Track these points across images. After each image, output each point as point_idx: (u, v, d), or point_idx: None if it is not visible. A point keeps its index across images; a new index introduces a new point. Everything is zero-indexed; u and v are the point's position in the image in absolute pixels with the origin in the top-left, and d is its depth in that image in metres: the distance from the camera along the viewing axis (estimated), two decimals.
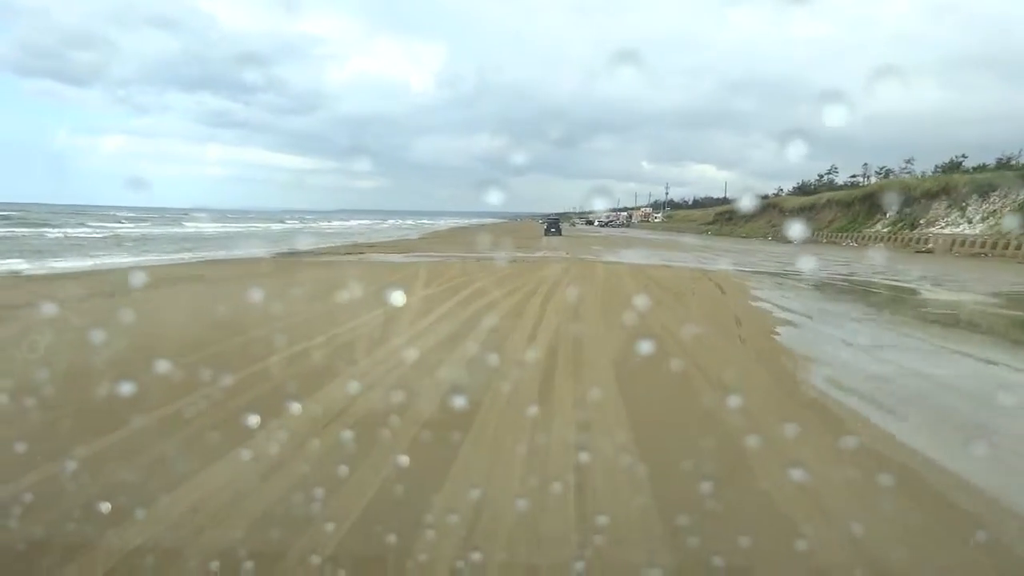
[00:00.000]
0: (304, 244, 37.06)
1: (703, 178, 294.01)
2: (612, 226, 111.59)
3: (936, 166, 55.19)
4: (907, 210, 39.35)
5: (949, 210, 37.15)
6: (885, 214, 41.78)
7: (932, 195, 38.86)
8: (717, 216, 76.09)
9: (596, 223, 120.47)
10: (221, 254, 25.29)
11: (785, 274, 19.38)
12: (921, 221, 38.29)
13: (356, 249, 29.45)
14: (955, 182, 36.75)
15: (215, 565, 2.63)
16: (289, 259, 23.23)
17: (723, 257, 27.57)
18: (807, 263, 24.58)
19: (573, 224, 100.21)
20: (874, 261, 26.49)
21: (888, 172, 64.35)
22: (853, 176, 65.36)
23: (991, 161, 45.73)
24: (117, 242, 32.28)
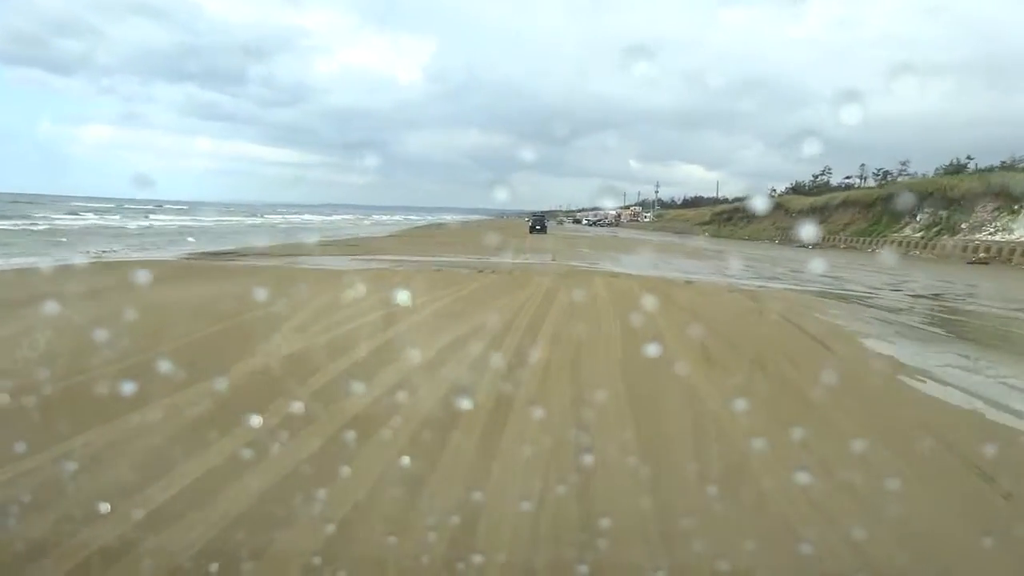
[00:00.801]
0: (255, 242, 31.43)
1: (691, 178, 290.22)
2: (600, 225, 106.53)
3: (937, 168, 50.68)
4: (942, 213, 33.98)
5: (997, 213, 31.77)
6: (915, 217, 36.37)
7: (974, 197, 33.46)
8: (714, 216, 70.65)
9: (584, 222, 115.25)
10: (135, 255, 19.63)
11: (871, 298, 13.63)
12: (963, 226, 32.91)
13: (299, 250, 23.56)
14: (1008, 181, 31.29)
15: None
16: (200, 263, 17.58)
17: (750, 266, 21.89)
18: (869, 277, 18.94)
19: (561, 223, 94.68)
20: (953, 277, 20.90)
21: (886, 174, 59.82)
22: (848, 177, 60.87)
23: (994, 163, 41.11)
24: (35, 237, 27.21)
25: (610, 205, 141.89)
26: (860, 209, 41.78)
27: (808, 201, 51.39)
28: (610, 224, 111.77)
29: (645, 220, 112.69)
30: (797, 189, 67.86)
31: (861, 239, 38.50)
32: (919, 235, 34.53)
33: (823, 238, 42.20)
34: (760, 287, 15.15)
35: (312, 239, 34.67)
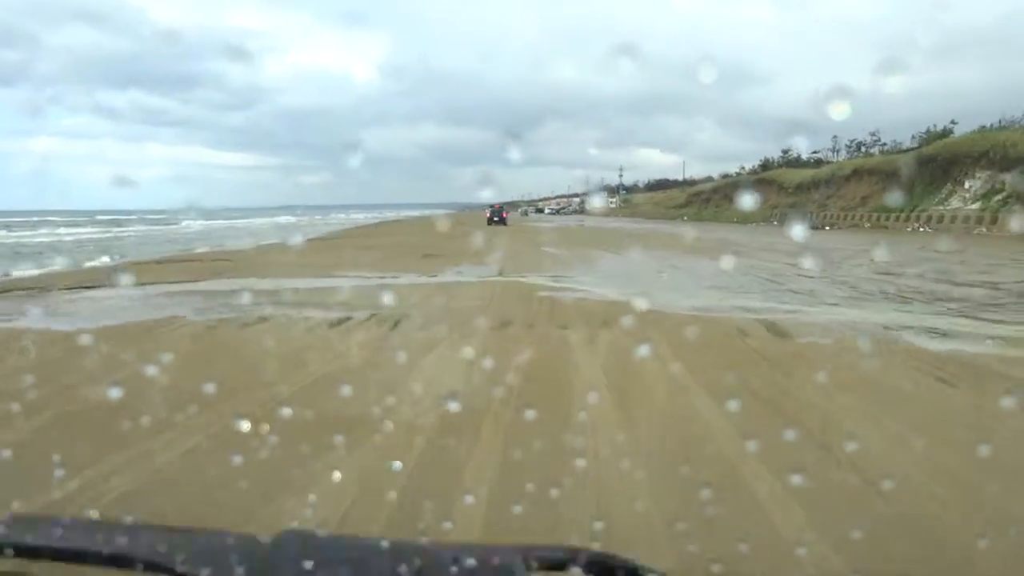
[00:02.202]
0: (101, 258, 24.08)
1: (650, 162, 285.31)
2: (564, 214, 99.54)
3: (913, 136, 45.34)
4: (1003, 177, 26.78)
5: None
6: (961, 184, 29.11)
7: None
8: (691, 198, 63.31)
9: (547, 211, 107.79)
10: None
11: None
12: None
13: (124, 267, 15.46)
14: None
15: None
16: None
17: (806, 268, 14.06)
18: None
19: (525, 213, 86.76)
20: None
21: (860, 145, 53.72)
22: (815, 152, 54.71)
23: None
24: None
25: (568, 192, 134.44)
26: (879, 179, 34.66)
27: (807, 174, 44.20)
28: (575, 212, 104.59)
29: (612, 205, 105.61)
30: (767, 166, 61.06)
31: (890, 216, 31.11)
32: (974, 206, 27.29)
33: (836, 216, 34.93)
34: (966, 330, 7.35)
35: (174, 252, 26.23)
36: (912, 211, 29.61)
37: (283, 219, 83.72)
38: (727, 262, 15.90)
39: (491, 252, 20.19)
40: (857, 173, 37.25)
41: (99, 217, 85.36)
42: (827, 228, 32.24)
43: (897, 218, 29.98)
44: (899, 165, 32.83)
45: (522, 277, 13.39)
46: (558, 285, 11.81)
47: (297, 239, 36.54)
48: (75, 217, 77.16)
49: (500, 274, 14.15)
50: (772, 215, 43.28)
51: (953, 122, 43.72)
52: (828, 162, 51.09)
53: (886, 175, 33.95)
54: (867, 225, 31.48)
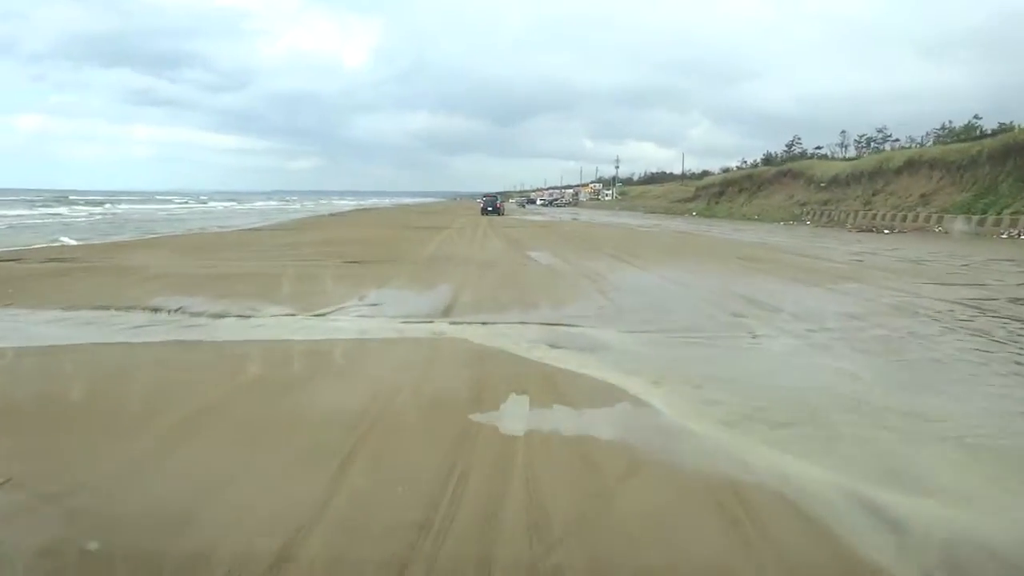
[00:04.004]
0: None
1: (644, 155, 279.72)
2: (556, 205, 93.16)
3: (927, 133, 40.64)
4: None
5: None
6: None
7: None
8: (700, 190, 56.80)
9: (538, 202, 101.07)
10: None
11: None
12: None
13: None
14: None
15: None
16: None
17: None
18: None
19: (522, 205, 79.77)
20: None
21: (870, 140, 48.22)
22: (818, 147, 51.18)
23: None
24: None
25: (561, 184, 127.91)
26: (943, 174, 28.25)
27: (843, 166, 37.63)
28: (568, 204, 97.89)
29: (607, 198, 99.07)
30: (769, 160, 54.77)
31: (967, 218, 24.57)
32: None
33: (889, 217, 28.54)
34: None
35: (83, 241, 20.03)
36: (999, 213, 23.22)
37: (260, 204, 78.60)
38: (861, 297, 9.37)
39: (451, 261, 13.59)
40: (912, 165, 30.79)
41: (71, 196, 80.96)
42: (886, 232, 25.81)
43: (982, 222, 23.54)
44: (976, 152, 26.23)
45: (485, 322, 6.86)
46: (558, 362, 5.26)
47: (234, 224, 29.80)
48: (40, 197, 73.47)
49: (447, 313, 7.59)
50: (802, 213, 36.87)
51: (977, 117, 37.89)
52: (836, 158, 45.09)
53: (954, 168, 27.57)
54: (937, 229, 25.08)
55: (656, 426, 3.83)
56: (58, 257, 13.95)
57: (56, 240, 20.08)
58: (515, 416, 3.93)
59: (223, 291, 8.97)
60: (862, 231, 27.22)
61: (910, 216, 27.41)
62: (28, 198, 68.96)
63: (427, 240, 19.51)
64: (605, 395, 4.40)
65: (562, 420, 3.88)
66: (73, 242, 19.30)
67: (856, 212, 31.63)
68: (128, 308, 7.76)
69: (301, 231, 24.70)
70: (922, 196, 28.92)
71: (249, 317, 7.26)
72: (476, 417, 3.88)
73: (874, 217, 29.59)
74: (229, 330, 6.57)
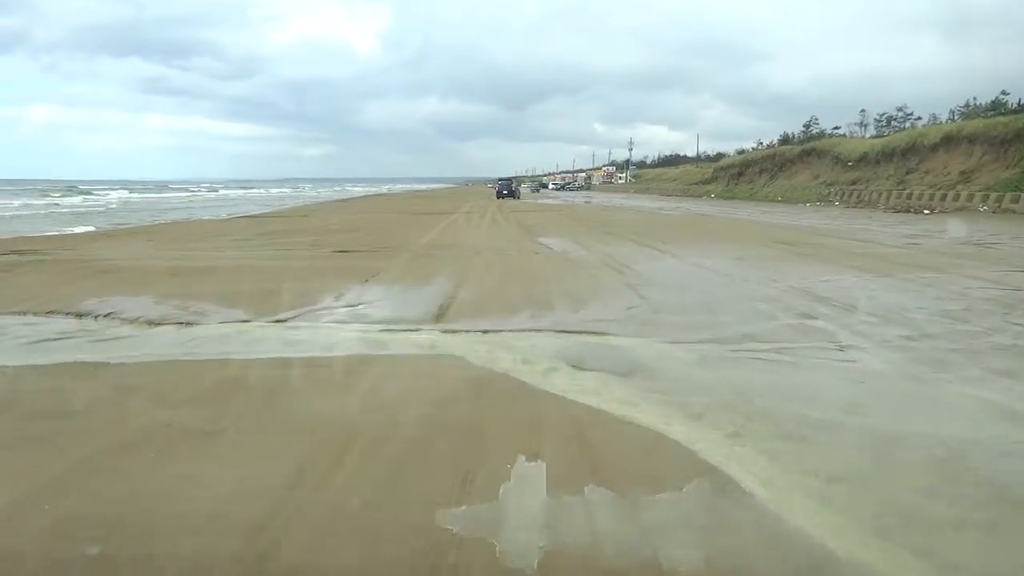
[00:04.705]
0: None
1: (656, 139, 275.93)
2: (569, 189, 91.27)
3: (953, 110, 39.36)
4: None
5: None
6: None
7: None
8: (718, 172, 54.77)
9: (550, 186, 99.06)
10: None
11: None
12: None
13: None
14: None
15: None
16: None
17: None
18: None
19: (536, 190, 76.22)
20: None
21: (890, 119, 46.54)
22: (836, 127, 49.28)
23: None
24: None
25: (573, 168, 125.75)
26: (986, 150, 26.23)
27: (874, 144, 35.53)
28: (580, 188, 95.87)
29: (620, 181, 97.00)
30: (787, 140, 52.63)
31: (1017, 197, 22.67)
32: None
33: (927, 197, 26.62)
34: None
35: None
36: None
37: (275, 191, 77.77)
38: (947, 290, 7.73)
39: (453, 249, 12.02)
40: (950, 141, 28.72)
41: (80, 186, 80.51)
42: (926, 212, 23.95)
43: None
44: (1021, 130, 24.17)
45: (487, 329, 5.31)
46: (586, 396, 3.70)
47: (235, 212, 28.25)
48: (55, 187, 72.83)
49: (440, 317, 6.05)
50: (829, 193, 34.92)
51: (1004, 92, 35.83)
52: (856, 137, 43.09)
53: (998, 143, 25.56)
54: (983, 208, 23.19)
55: (761, 540, 2.27)
56: (19, 249, 12.53)
57: (43, 230, 18.75)
58: (524, 516, 2.39)
59: (177, 289, 7.49)
60: (897, 212, 25.34)
61: (950, 195, 25.49)
62: (41, 188, 68.16)
63: (430, 226, 17.95)
64: (663, 464, 2.85)
65: (605, 526, 2.33)
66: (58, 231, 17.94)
67: (889, 192, 29.67)
68: (50, 312, 6.31)
69: (297, 218, 23.20)
70: (962, 174, 26.93)
71: (190, 325, 5.76)
72: (457, 525, 2.33)
73: (909, 197, 27.65)
74: (152, 345, 5.07)
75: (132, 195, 55.57)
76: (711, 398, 3.71)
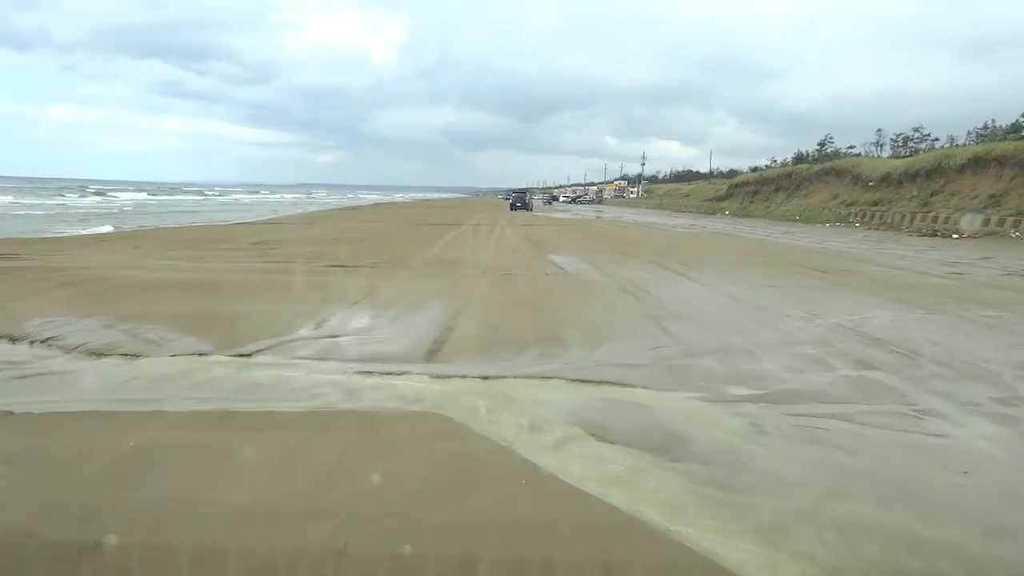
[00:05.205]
0: None
1: (667, 154, 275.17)
2: (580, 202, 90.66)
3: (971, 132, 39.27)
4: None
5: None
6: None
7: None
8: (733, 189, 53.77)
9: (561, 198, 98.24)
10: None
11: None
12: None
13: None
14: None
15: None
16: None
17: None
18: None
19: (549, 203, 74.82)
20: None
21: (907, 140, 45.97)
22: (851, 147, 48.67)
23: None
24: None
25: (584, 181, 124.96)
26: (1020, 171, 25.16)
27: (896, 164, 34.45)
28: (592, 201, 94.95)
29: (632, 196, 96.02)
30: (801, 158, 51.84)
31: None
32: None
33: (953, 221, 25.54)
34: None
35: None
36: None
37: (289, 196, 77.10)
38: (1021, 334, 6.74)
39: (457, 266, 11.08)
40: (978, 162, 27.68)
41: (90, 187, 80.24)
42: (955, 237, 22.88)
43: None
44: None
45: (488, 375, 4.38)
46: (613, 494, 2.76)
47: (238, 218, 27.40)
48: (69, 187, 72.74)
49: (432, 354, 5.11)
50: (849, 214, 33.83)
51: None
52: (873, 157, 42.06)
53: None
54: (1015, 234, 22.13)
55: None
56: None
57: (42, 231, 18.02)
58: None
59: (140, 308, 6.60)
60: (923, 235, 24.26)
61: (979, 219, 24.40)
62: (55, 187, 67.74)
63: (436, 237, 17.05)
64: None
65: None
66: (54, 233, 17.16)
67: (913, 214, 28.57)
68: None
69: (301, 225, 22.36)
70: (991, 197, 25.86)
71: (137, 357, 4.86)
72: None
73: (935, 220, 26.57)
74: (79, 387, 4.16)
75: (149, 197, 54.82)
76: (782, 499, 2.75)
